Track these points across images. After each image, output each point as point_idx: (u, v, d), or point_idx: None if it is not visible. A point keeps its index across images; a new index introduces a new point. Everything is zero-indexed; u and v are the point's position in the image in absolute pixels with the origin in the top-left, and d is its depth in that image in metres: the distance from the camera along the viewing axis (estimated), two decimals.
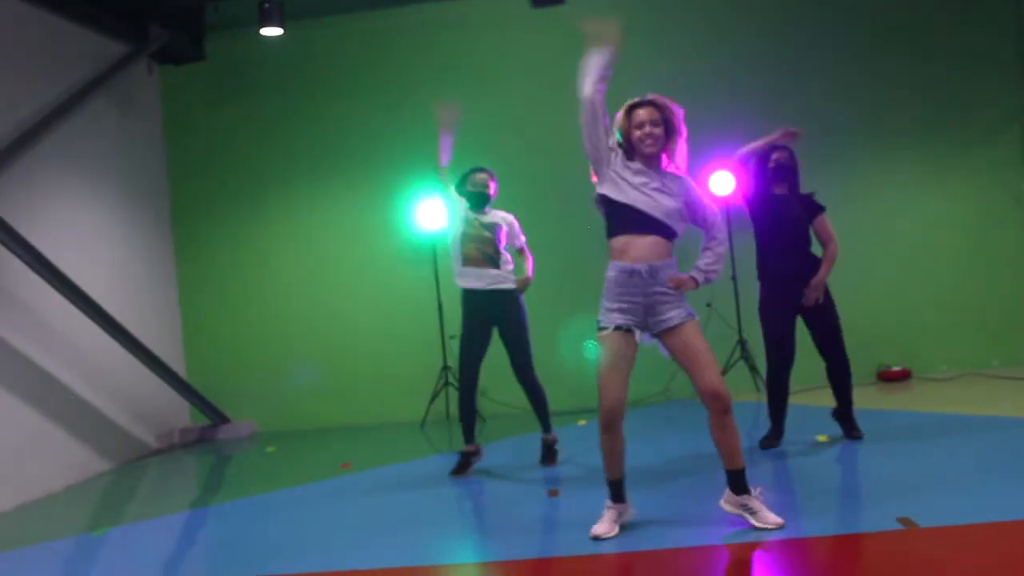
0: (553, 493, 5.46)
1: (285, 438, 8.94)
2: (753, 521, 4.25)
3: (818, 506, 4.61)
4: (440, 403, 9.02)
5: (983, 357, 8.82)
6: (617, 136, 4.39)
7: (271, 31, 8.34)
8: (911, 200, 9.05)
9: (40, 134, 7.68)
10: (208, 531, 5.60)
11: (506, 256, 6.32)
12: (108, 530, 5.74)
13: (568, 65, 9.12)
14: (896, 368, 8.75)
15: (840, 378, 6.31)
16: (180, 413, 9.56)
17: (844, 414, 6.32)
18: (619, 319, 4.29)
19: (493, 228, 6.32)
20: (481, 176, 6.39)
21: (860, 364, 8.80)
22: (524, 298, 6.41)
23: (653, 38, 9.25)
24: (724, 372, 8.58)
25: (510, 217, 6.47)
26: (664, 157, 4.38)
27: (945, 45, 9.00)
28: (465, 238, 6.28)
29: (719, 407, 4.21)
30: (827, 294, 6.22)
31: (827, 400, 7.83)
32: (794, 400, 7.89)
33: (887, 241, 8.99)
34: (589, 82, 4.30)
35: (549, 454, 6.33)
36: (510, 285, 6.27)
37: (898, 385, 8.56)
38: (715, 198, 6.48)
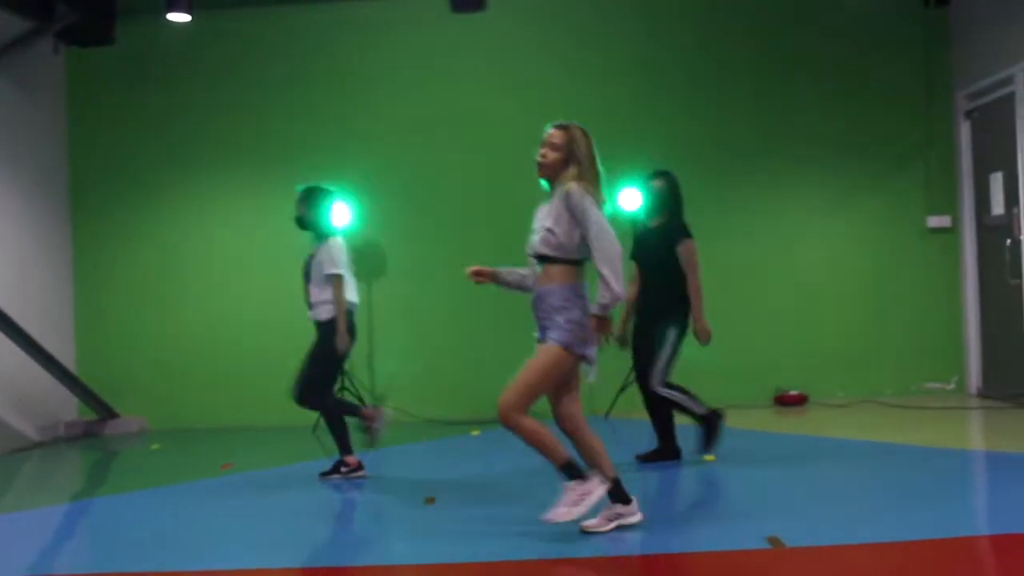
0: (430, 500, 5.34)
1: (174, 436, 8.68)
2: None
3: (690, 523, 4.57)
4: None
5: (878, 385, 8.95)
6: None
7: (177, 16, 8.11)
8: (814, 228, 9.17)
9: None
10: (62, 527, 5.35)
11: (319, 287, 6.04)
12: None
13: (485, 70, 9.23)
14: (793, 392, 8.83)
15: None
16: (67, 406, 9.22)
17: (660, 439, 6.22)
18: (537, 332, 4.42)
19: (307, 264, 6.14)
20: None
21: (758, 387, 8.97)
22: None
23: (570, 56, 9.28)
24: (622, 390, 8.48)
25: (327, 244, 6.07)
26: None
27: (854, 77, 9.13)
28: None
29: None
30: (662, 326, 6.05)
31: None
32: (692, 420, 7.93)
33: (789, 266, 9.10)
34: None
35: (334, 468, 6.20)
36: (319, 316, 6.06)
37: (794, 409, 8.63)
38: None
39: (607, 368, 4.56)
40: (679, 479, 5.64)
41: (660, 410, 6.17)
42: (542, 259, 4.35)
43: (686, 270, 6.03)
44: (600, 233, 4.20)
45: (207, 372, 9.30)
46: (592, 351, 4.32)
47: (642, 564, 3.98)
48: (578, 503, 4.22)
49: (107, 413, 9.12)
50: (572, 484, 4.26)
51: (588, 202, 4.23)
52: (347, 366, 8.84)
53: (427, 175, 9.17)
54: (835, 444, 6.78)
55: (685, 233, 6.10)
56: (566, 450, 4.32)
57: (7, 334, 7.95)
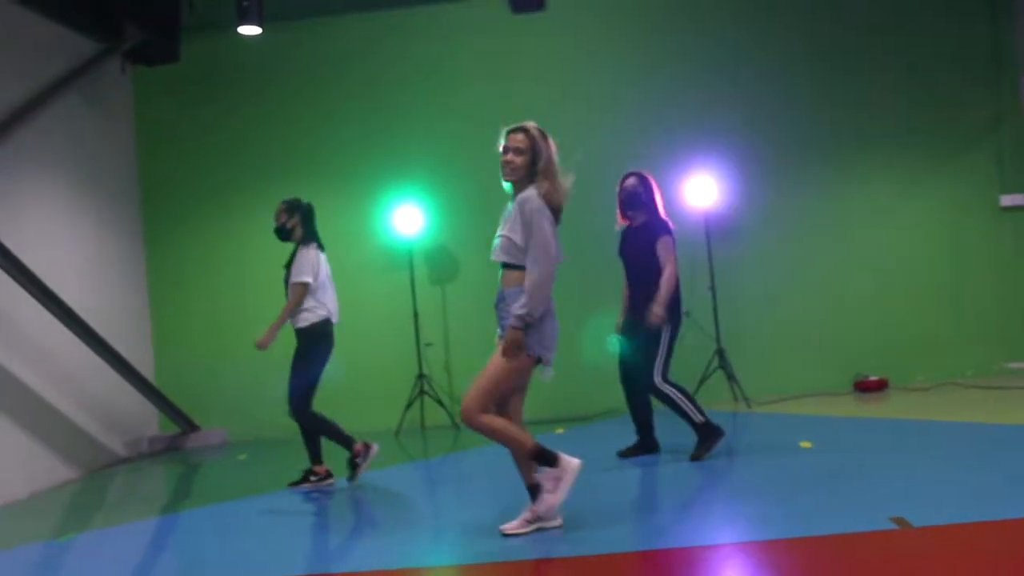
0: None
1: (257, 447, 8.77)
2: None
3: (812, 507, 4.55)
4: (415, 411, 8.91)
5: (958, 367, 8.86)
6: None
7: (249, 29, 8.17)
8: (887, 209, 9.09)
9: (8, 131, 7.50)
10: (164, 540, 5.41)
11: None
12: (71, 537, 5.56)
13: (548, 70, 9.24)
14: (873, 378, 8.76)
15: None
16: (149, 421, 9.36)
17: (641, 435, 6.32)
18: (499, 330, 4.47)
19: (286, 274, 6.22)
20: (277, 210, 6.31)
21: (837, 373, 8.92)
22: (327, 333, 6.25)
23: (633, 38, 9.27)
24: (702, 381, 8.51)
25: (303, 252, 6.18)
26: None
27: (924, 53, 9.08)
28: None
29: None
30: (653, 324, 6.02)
31: (804, 409, 7.88)
32: (774, 409, 7.95)
33: (863, 250, 9.04)
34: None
35: (303, 477, 6.33)
36: (298, 324, 6.17)
37: (875, 395, 8.56)
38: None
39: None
40: (784, 466, 5.61)
41: (641, 404, 6.28)
42: (502, 265, 4.42)
43: (663, 262, 6.02)
44: (541, 248, 4.27)
45: (284, 381, 9.35)
46: (548, 353, 4.37)
47: (773, 549, 3.97)
48: (555, 489, 4.39)
49: (189, 426, 9.24)
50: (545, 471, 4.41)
51: (541, 214, 4.29)
52: (425, 370, 8.95)
53: (495, 180, 9.17)
54: (925, 426, 6.72)
55: (665, 229, 6.12)
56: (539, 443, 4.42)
57: (95, 350, 8.06)
